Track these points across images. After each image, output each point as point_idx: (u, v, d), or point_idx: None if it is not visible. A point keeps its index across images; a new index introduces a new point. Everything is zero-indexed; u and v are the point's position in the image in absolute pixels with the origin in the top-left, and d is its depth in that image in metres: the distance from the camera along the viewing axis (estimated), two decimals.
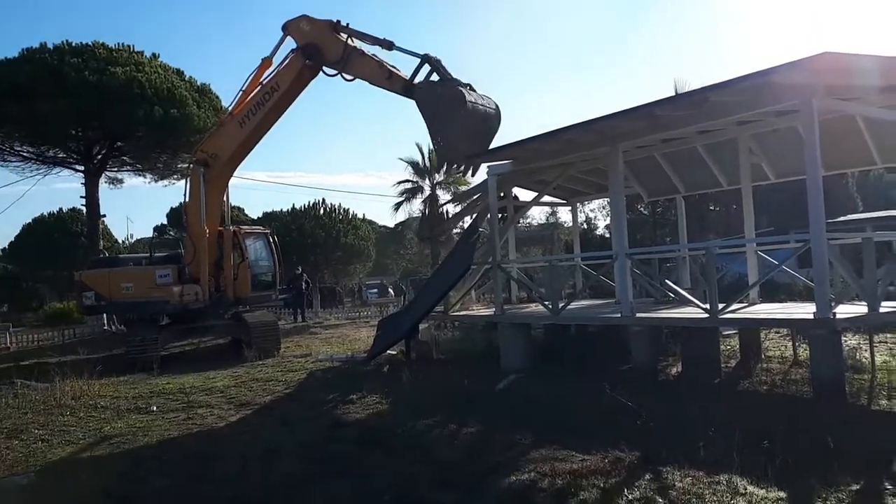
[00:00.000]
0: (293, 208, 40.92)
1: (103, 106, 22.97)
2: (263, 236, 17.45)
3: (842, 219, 24.42)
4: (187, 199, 15.60)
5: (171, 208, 45.85)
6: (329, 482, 5.81)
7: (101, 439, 7.99)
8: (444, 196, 35.74)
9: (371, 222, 48.81)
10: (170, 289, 14.79)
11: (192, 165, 15.71)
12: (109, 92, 23.02)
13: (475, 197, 14.27)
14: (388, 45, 13.21)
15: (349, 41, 13.50)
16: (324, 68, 13.89)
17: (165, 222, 47.27)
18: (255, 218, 38.86)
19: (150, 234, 51.97)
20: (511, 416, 7.67)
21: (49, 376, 11.24)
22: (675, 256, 14.16)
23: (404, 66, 13.54)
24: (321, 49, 13.68)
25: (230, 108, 15.02)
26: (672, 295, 10.51)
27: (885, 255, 10.72)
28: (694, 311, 9.16)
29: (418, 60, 12.41)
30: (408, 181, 37.11)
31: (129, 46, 26.08)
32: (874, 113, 8.81)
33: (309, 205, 41.10)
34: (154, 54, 26.52)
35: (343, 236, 39.67)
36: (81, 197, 27.90)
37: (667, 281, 11.01)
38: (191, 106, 24.90)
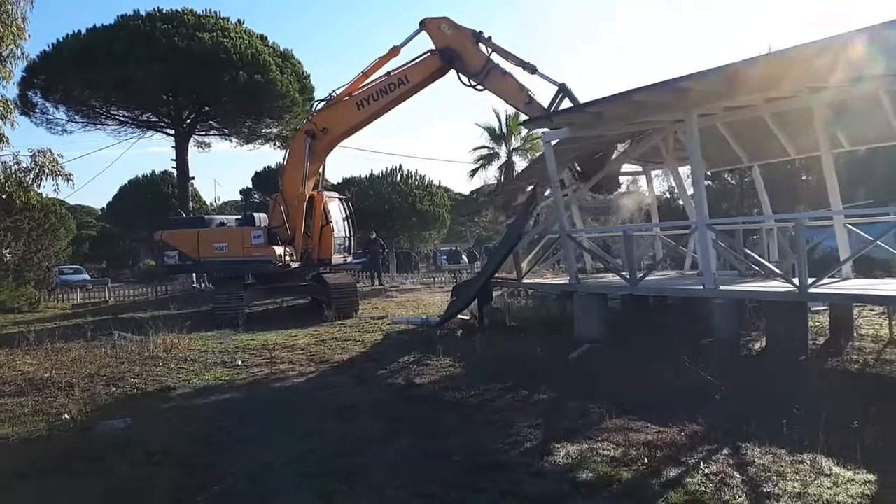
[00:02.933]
0: (371, 174, 41.53)
1: (191, 71, 23.81)
2: (341, 201, 17.82)
3: None
4: (286, 164, 16.08)
5: (256, 172, 47.42)
6: (402, 440, 5.95)
7: (189, 390, 8.44)
8: (520, 163, 35.39)
9: (447, 189, 48.93)
10: (272, 249, 15.17)
11: (297, 133, 16.06)
12: (197, 57, 23.83)
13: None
14: (532, 69, 13.46)
15: (491, 55, 13.64)
16: (459, 75, 14.02)
17: (251, 185, 48.92)
18: (336, 183, 39.68)
19: (236, 196, 54.14)
20: (584, 386, 7.60)
21: (143, 329, 11.94)
22: (760, 228, 13.55)
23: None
24: (461, 57, 13.83)
25: (346, 87, 15.19)
26: (757, 268, 10.10)
27: None
28: (781, 286, 8.77)
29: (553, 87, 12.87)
30: (484, 147, 36.90)
31: (216, 13, 26.85)
32: None
33: (386, 171, 41.63)
34: (239, 20, 27.22)
35: (419, 202, 40.01)
36: (172, 160, 29.26)
37: (752, 253, 10.56)
38: (274, 71, 25.47)
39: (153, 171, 47.74)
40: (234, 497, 4.86)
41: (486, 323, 12.42)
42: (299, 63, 28.23)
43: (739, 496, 4.42)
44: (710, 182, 25.93)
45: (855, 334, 9.83)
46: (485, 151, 36.98)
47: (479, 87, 13.84)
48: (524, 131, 35.65)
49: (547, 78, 13.19)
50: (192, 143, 29.77)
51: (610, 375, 8.02)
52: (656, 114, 10.29)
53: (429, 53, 14.31)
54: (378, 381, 8.63)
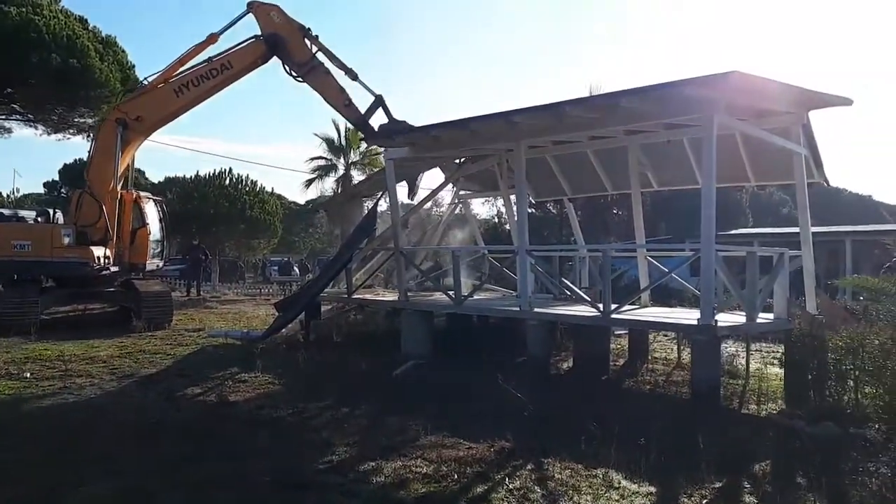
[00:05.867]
0: (197, 175, 39.24)
1: None
2: (156, 203, 16.72)
3: (732, 232, 26.00)
4: (93, 156, 14.71)
5: (65, 164, 43.23)
6: (209, 462, 5.61)
7: None
8: (358, 177, 35.26)
9: (280, 197, 47.53)
10: (89, 250, 13.75)
11: (105, 122, 14.76)
12: (0, 32, 21.30)
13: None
14: (353, 76, 13.63)
15: (316, 53, 13.61)
16: (283, 66, 13.77)
17: (57, 178, 44.49)
18: (157, 182, 37.09)
19: (39, 189, 48.88)
20: (405, 402, 7.69)
21: None
22: (575, 256, 14.62)
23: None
24: (286, 46, 13.61)
25: (160, 74, 14.27)
26: (569, 293, 10.85)
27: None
28: (588, 310, 9.48)
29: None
30: (321, 158, 36.33)
31: None
32: (759, 134, 9.24)
33: (214, 173, 39.51)
34: None
35: (249, 209, 38.39)
36: None
37: (563, 279, 11.32)
38: (93, 58, 23.40)
39: None
40: None
41: (313, 338, 12.19)
42: (123, 52, 26.14)
43: None
44: (533, 210, 27.54)
45: (650, 357, 10.86)
46: (322, 162, 36.39)
47: (301, 80, 13.73)
48: (364, 145, 35.61)
49: (366, 87, 13.50)
50: None
51: (431, 392, 8.21)
52: (490, 142, 10.87)
53: (253, 39, 13.92)
54: (188, 399, 8.12)
